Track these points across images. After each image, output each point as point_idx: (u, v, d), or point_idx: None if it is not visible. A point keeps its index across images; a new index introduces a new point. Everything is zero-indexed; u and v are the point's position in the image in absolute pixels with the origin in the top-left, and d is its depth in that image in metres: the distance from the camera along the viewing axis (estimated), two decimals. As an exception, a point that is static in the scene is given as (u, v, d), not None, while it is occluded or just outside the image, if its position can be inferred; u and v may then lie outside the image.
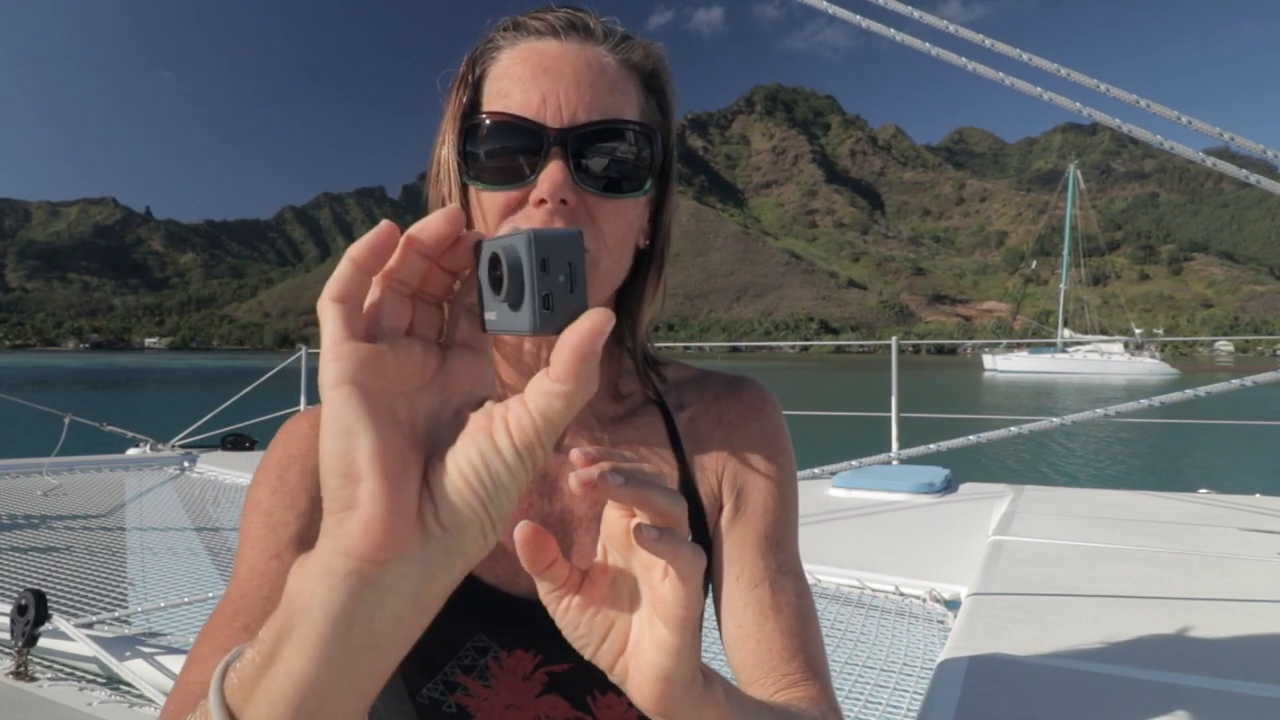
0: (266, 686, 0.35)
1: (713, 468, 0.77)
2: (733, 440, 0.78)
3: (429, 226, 0.36)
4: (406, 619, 0.34)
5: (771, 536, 0.75)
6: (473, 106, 0.65)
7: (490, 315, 0.37)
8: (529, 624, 0.66)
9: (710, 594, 0.78)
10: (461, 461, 0.34)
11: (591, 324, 0.34)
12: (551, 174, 0.60)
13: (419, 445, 0.35)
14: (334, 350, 0.33)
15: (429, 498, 0.34)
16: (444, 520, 0.33)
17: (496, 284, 0.36)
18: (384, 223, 0.35)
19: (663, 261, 0.74)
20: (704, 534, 0.75)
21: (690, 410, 0.79)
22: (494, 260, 0.36)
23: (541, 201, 0.61)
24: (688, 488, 0.75)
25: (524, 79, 0.63)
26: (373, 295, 0.35)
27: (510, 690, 0.68)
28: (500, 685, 0.68)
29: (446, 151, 0.66)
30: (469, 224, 0.64)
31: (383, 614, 0.34)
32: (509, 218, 0.63)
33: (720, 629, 0.75)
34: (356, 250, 0.34)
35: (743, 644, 0.70)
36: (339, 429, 0.32)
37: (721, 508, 0.77)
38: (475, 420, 0.35)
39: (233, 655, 0.39)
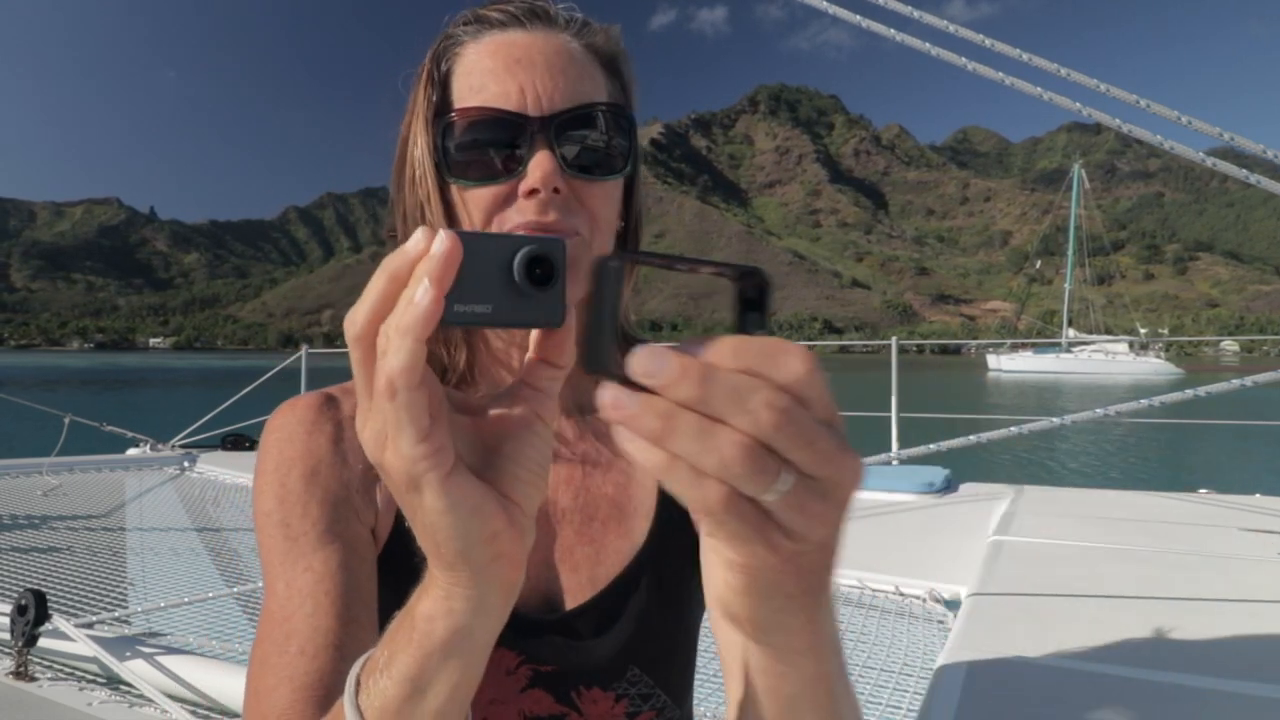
0: (418, 712, 0.43)
1: None
2: None
3: (438, 262, 0.33)
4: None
5: None
6: (442, 104, 0.64)
7: (479, 308, 0.37)
8: (511, 628, 0.67)
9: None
10: (526, 461, 0.39)
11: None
12: (541, 163, 0.60)
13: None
14: (428, 442, 0.35)
15: (515, 504, 0.40)
16: (529, 513, 0.40)
17: (536, 281, 0.38)
18: (428, 292, 0.33)
19: (638, 240, 0.75)
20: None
21: None
22: (535, 259, 0.38)
23: (533, 192, 0.60)
24: None
25: (496, 71, 0.62)
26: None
27: (493, 685, 0.67)
28: (483, 680, 0.67)
29: (420, 152, 0.65)
30: (450, 224, 0.63)
31: (508, 609, 0.43)
32: (499, 212, 0.62)
33: None
34: (417, 326, 0.33)
35: None
36: (469, 512, 0.37)
37: None
38: (505, 416, 0.40)
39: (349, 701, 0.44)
